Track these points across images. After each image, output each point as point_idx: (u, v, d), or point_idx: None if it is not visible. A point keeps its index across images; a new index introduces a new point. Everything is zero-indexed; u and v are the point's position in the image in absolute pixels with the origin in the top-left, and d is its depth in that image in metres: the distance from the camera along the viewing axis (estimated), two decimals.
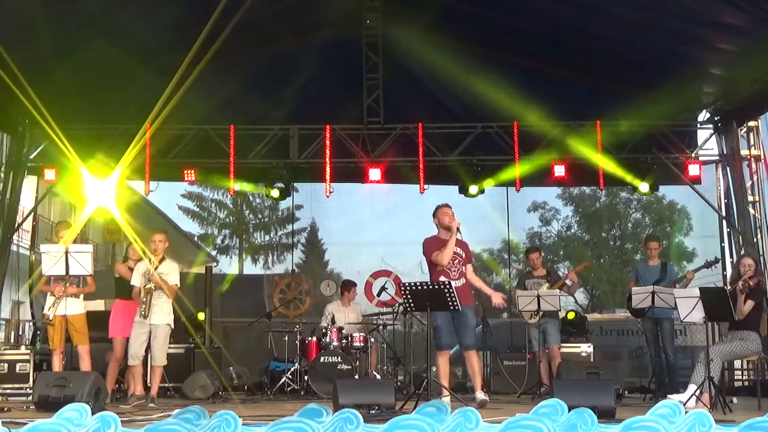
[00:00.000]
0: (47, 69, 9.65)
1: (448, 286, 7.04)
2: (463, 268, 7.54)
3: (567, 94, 10.73)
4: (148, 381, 8.25)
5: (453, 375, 11.60)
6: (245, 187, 11.75)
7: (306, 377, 9.47)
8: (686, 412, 4.69)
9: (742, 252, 10.28)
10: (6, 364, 9.21)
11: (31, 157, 10.95)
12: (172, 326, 8.14)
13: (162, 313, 7.93)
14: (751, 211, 11.00)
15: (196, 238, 30.27)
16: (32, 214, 12.08)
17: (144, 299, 7.81)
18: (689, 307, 7.10)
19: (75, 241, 8.43)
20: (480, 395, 7.36)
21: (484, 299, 9.15)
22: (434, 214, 7.63)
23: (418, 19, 10.34)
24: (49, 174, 10.84)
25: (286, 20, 10.13)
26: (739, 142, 11.05)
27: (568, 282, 9.74)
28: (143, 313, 7.81)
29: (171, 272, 8.03)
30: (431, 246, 7.55)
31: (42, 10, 8.25)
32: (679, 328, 10.32)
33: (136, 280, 8.02)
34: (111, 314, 8.47)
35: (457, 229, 7.43)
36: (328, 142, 10.86)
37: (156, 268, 7.94)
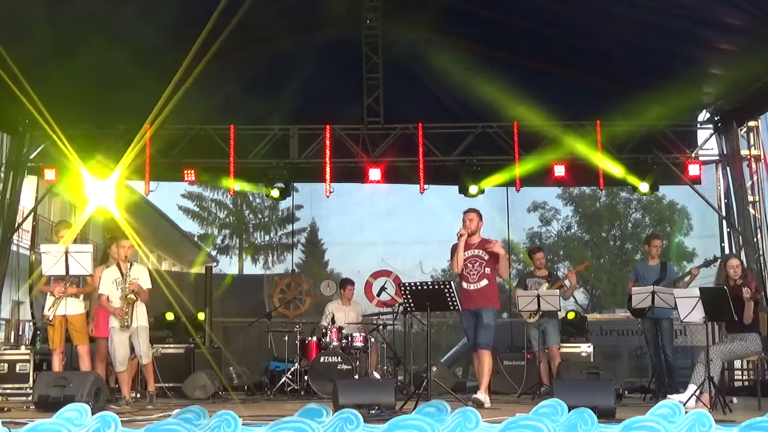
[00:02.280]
0: (47, 69, 9.65)
1: (448, 286, 7.06)
2: (486, 270, 7.51)
3: (567, 94, 10.72)
4: (146, 380, 8.22)
5: (453, 375, 11.66)
6: (245, 186, 11.73)
7: (306, 377, 9.47)
8: (686, 412, 4.70)
9: (726, 253, 10.28)
10: (6, 364, 9.19)
11: (31, 157, 10.95)
12: (148, 325, 8.03)
13: (140, 317, 7.84)
14: (751, 211, 10.99)
15: (196, 238, 30.29)
16: (32, 214, 12.07)
17: (126, 309, 7.75)
18: (689, 307, 7.10)
19: (75, 241, 8.42)
20: (480, 395, 7.36)
21: None
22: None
23: (418, 19, 10.34)
24: (49, 174, 10.83)
25: (286, 20, 10.13)
26: (739, 142, 11.05)
27: (566, 283, 9.73)
28: (126, 323, 7.71)
29: (142, 276, 7.93)
30: (451, 253, 7.66)
31: (42, 10, 8.24)
32: (679, 328, 10.32)
33: (105, 288, 7.87)
34: (95, 314, 8.37)
35: (461, 235, 7.44)
36: (328, 142, 10.85)
37: (128, 274, 7.86)
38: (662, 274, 8.99)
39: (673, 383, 8.57)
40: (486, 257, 7.51)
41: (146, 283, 7.95)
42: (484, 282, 7.50)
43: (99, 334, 8.29)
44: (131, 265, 7.95)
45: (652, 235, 10.21)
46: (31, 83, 8.67)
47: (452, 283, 7.19)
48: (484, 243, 7.58)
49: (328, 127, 10.89)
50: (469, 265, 7.50)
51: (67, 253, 7.47)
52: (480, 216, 7.65)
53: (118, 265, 7.91)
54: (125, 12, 8.84)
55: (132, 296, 7.73)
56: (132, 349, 7.88)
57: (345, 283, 10.84)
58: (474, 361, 7.78)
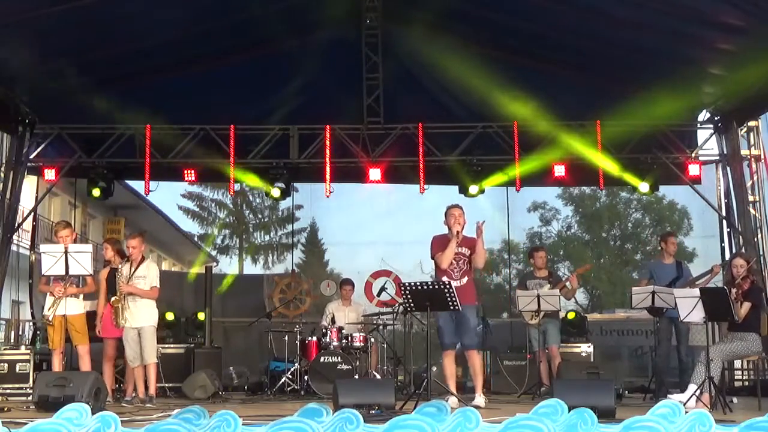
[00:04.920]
0: (48, 69, 9.65)
1: (448, 286, 7.06)
2: (467, 266, 7.53)
3: (567, 94, 10.71)
4: (148, 380, 8.25)
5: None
6: (250, 178, 11.46)
7: (306, 377, 9.47)
8: (686, 412, 4.69)
9: (734, 253, 10.28)
10: (6, 364, 9.20)
11: (31, 157, 10.95)
12: (155, 325, 8.17)
13: (145, 316, 8.00)
14: (751, 211, 10.99)
15: (196, 238, 30.28)
16: (32, 214, 12.07)
17: (113, 310, 7.90)
18: (689, 307, 7.11)
19: (75, 241, 8.44)
20: (478, 399, 7.38)
21: (484, 299, 9.15)
22: (444, 213, 7.63)
23: (418, 19, 10.33)
24: (49, 174, 10.83)
25: (286, 20, 10.13)
26: (739, 142, 11.04)
27: (568, 285, 9.72)
28: (117, 322, 7.90)
29: (149, 274, 8.06)
30: (436, 246, 7.58)
31: (44, 9, 8.25)
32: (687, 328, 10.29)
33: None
34: (101, 315, 8.48)
35: (457, 233, 7.42)
36: (328, 142, 10.85)
37: (133, 274, 7.98)
38: (679, 273, 8.98)
39: (684, 383, 8.52)
40: (468, 254, 7.53)
41: (152, 281, 8.06)
42: (466, 279, 7.52)
43: (105, 335, 8.34)
44: (142, 260, 8.11)
45: (668, 233, 10.07)
46: (33, 82, 8.65)
47: (452, 283, 7.19)
48: (465, 240, 7.55)
49: (328, 127, 10.88)
50: (453, 261, 7.50)
51: (66, 253, 7.48)
52: (464, 211, 7.61)
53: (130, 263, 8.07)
54: (126, 11, 8.83)
55: (117, 297, 7.84)
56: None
57: (344, 284, 10.86)
58: (447, 362, 7.52)
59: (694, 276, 9.09)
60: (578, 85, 10.86)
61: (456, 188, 11.28)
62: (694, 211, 25.82)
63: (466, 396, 8.01)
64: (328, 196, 11.24)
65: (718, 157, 11.32)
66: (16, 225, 11.09)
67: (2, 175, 10.70)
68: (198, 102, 10.65)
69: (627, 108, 10.51)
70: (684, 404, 6.09)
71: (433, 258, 7.62)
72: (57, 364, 7.95)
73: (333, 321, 9.99)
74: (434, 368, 8.63)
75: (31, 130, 10.88)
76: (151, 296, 8.07)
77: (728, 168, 11.06)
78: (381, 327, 10.32)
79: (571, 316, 10.92)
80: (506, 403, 8.20)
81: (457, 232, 7.42)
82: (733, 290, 7.32)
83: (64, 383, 6.30)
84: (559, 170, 10.93)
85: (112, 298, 7.94)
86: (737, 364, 10.22)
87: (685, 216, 28.85)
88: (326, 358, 9.37)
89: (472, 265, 7.58)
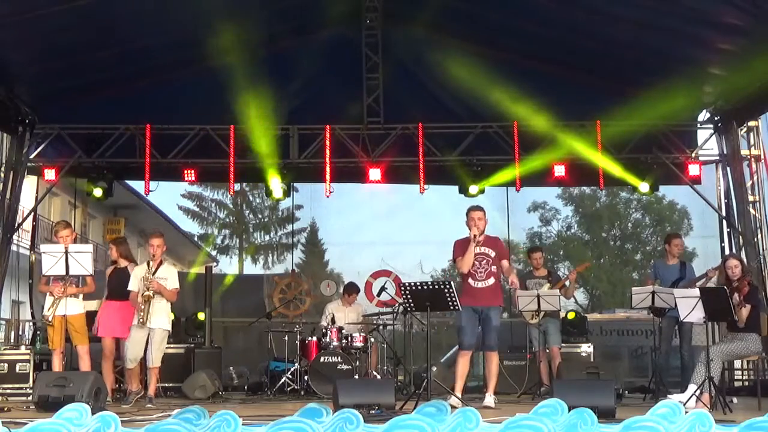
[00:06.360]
0: (48, 68, 9.65)
1: (448, 286, 7.05)
2: (493, 267, 7.47)
3: (567, 94, 10.70)
4: (148, 381, 8.26)
5: (453, 375, 11.63)
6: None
7: (306, 377, 9.48)
8: (686, 412, 4.70)
9: (727, 254, 10.27)
10: (6, 364, 9.20)
11: (31, 157, 10.95)
12: (170, 330, 8.16)
13: (160, 318, 7.95)
14: (751, 211, 10.98)
15: (196, 238, 30.27)
16: (32, 214, 12.07)
17: (142, 306, 7.82)
18: (689, 307, 7.11)
19: (75, 241, 8.43)
20: (489, 399, 7.40)
21: None
22: (465, 214, 7.60)
23: (418, 19, 10.33)
24: (49, 174, 10.83)
25: (286, 20, 10.13)
26: (739, 142, 11.03)
27: (566, 283, 9.74)
28: (141, 320, 7.82)
29: (170, 276, 8.04)
30: (457, 250, 7.57)
31: (44, 9, 8.25)
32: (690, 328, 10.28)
33: (134, 285, 7.99)
34: (100, 314, 8.46)
35: (475, 236, 7.39)
36: (328, 142, 10.85)
37: (154, 273, 7.94)
38: (682, 273, 9.00)
39: (685, 382, 8.51)
40: (492, 255, 7.48)
41: (173, 283, 8.04)
42: (492, 280, 7.48)
43: (102, 335, 8.33)
44: (161, 263, 8.04)
45: (672, 234, 10.10)
46: (33, 82, 8.58)
47: (452, 283, 7.18)
48: (488, 240, 7.55)
49: (328, 127, 10.87)
50: (476, 263, 7.45)
51: (66, 253, 7.48)
52: (485, 213, 7.61)
53: (149, 263, 8.02)
54: (126, 11, 8.83)
55: (149, 293, 7.79)
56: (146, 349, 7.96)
57: (350, 290, 10.79)
58: (462, 361, 7.55)
59: (696, 276, 9.11)
60: (578, 85, 10.85)
61: (456, 188, 11.28)
62: (694, 211, 25.79)
63: (465, 396, 8.01)
64: (328, 196, 11.24)
65: (718, 157, 11.31)
66: (16, 225, 11.08)
67: (2, 175, 10.70)
68: (198, 102, 10.65)
69: (627, 108, 10.50)
70: (684, 404, 6.09)
71: (454, 261, 7.62)
72: (57, 364, 7.95)
73: (333, 321, 9.99)
74: (434, 368, 8.65)
75: (31, 130, 10.87)
76: (172, 298, 8.05)
77: (728, 168, 11.05)
78: (381, 327, 10.33)
79: (571, 316, 10.93)
80: (506, 403, 8.20)
81: (475, 236, 7.40)
82: (736, 295, 7.30)
83: (64, 383, 6.31)
84: (559, 170, 10.93)
85: (143, 293, 7.82)
86: (737, 364, 10.22)
87: (685, 216, 28.83)
88: (326, 358, 9.37)
89: (498, 267, 7.52)
